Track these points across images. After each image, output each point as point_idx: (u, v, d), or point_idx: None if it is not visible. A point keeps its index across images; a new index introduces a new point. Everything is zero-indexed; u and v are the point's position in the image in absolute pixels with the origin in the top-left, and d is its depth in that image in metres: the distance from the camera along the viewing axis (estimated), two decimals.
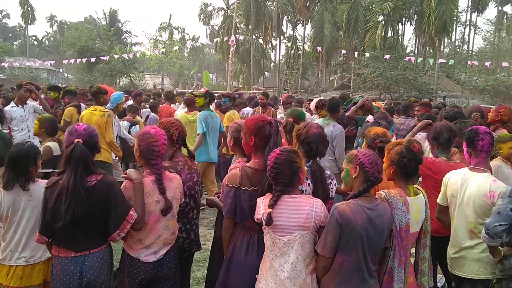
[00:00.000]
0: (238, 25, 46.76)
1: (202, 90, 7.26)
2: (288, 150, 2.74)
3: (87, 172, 2.77)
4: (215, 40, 44.13)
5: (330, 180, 3.18)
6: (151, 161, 3.05)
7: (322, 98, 8.10)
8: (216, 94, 9.09)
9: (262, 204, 2.72)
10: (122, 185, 3.00)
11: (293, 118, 4.50)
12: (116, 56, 32.21)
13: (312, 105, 8.44)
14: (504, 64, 25.78)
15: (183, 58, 49.81)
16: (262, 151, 2.95)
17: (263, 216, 2.68)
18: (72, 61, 29.60)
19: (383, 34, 34.08)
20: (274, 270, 2.68)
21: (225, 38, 40.49)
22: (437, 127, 4.14)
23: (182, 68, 41.90)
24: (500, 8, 44.88)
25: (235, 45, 40.69)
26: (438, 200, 3.62)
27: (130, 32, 56.37)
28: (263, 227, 2.73)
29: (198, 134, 6.70)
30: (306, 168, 3.13)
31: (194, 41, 49.17)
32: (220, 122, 7.09)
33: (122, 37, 53.67)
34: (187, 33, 64.35)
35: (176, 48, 42.20)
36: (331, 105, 6.27)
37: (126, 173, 3.04)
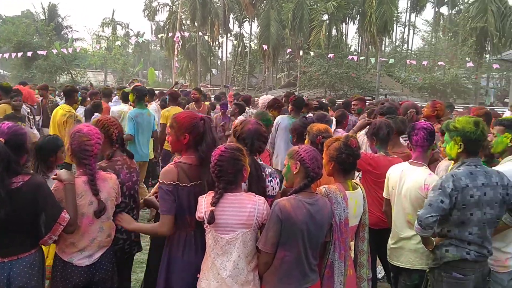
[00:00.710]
0: (184, 21, 46.23)
1: (132, 86, 7.08)
2: (232, 148, 2.72)
3: (10, 173, 2.59)
4: (159, 36, 43.26)
5: (271, 178, 3.16)
6: (83, 161, 2.93)
7: (274, 97, 8.15)
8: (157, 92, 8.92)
9: (204, 202, 2.68)
10: (52, 186, 2.86)
11: None
12: (55, 52, 30.83)
13: (261, 102, 8.48)
14: (440, 63, 27.08)
15: (127, 54, 48.54)
16: (194, 147, 2.90)
17: (205, 214, 2.65)
18: (7, 55, 27.94)
19: (327, 33, 34.81)
20: (216, 269, 2.67)
21: (170, 34, 39.82)
22: (377, 124, 4.27)
23: (126, 64, 40.76)
24: (436, 9, 47.07)
25: (181, 42, 40.14)
26: (384, 194, 3.73)
27: (71, 27, 54.00)
28: (205, 226, 2.70)
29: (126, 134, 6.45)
30: None
31: (138, 37, 47.95)
32: (153, 121, 6.90)
33: (62, 33, 51.38)
34: (131, 29, 63.05)
35: (118, 43, 41.03)
36: (297, 103, 6.42)
37: (56, 174, 2.89)
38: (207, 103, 10.31)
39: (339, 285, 2.87)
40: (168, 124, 3.02)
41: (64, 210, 2.73)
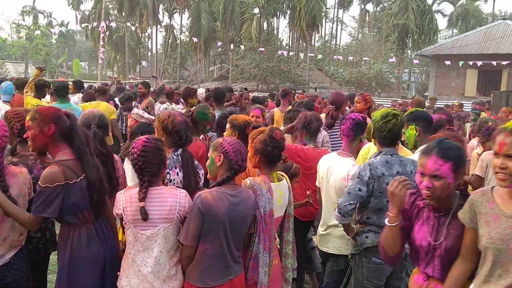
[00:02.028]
0: (111, 11, 44.56)
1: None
2: (155, 138, 2.66)
3: None
4: (83, 25, 41.39)
5: (198, 169, 3.19)
6: None
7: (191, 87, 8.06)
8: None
9: (122, 198, 2.58)
10: None
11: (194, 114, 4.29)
12: None
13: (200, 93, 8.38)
14: (365, 58, 28.25)
15: (50, 45, 46.04)
16: (63, 141, 2.78)
17: (123, 211, 2.55)
18: None
19: (258, 27, 35.06)
20: (137, 266, 2.59)
21: (95, 24, 38.19)
22: (308, 117, 4.33)
23: (49, 55, 38.72)
24: (363, 6, 49.01)
25: (108, 32, 38.67)
26: (316, 183, 3.79)
27: None
28: (124, 223, 2.60)
29: None
30: (174, 157, 3.09)
31: (62, 27, 45.52)
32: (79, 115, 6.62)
33: None
34: (54, 18, 59.78)
35: (38, 32, 38.78)
36: (216, 95, 6.39)
37: None
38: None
39: (263, 276, 2.88)
40: (27, 118, 2.82)
41: None
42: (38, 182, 2.66)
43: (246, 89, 7.47)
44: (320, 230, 3.71)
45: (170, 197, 2.60)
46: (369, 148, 4.10)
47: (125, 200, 2.57)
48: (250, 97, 8.21)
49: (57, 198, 2.64)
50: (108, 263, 2.82)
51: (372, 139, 3.29)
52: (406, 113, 3.62)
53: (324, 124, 5.44)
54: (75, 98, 8.44)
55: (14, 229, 2.81)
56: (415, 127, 3.50)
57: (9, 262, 2.79)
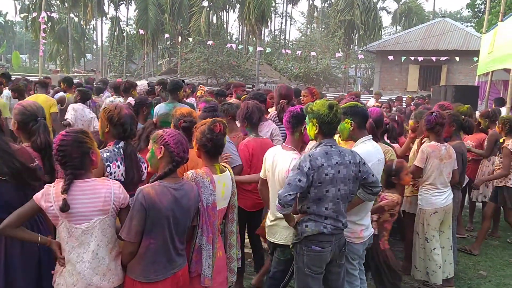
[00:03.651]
0: (53, 1, 42.71)
1: None
2: (75, 131, 2.56)
3: None
4: (22, 16, 39.42)
5: (141, 163, 3.16)
6: None
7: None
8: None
9: (52, 192, 2.46)
10: None
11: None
12: None
13: (139, 89, 8.19)
14: (312, 53, 28.72)
15: None
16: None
17: (55, 204, 2.43)
18: None
19: (208, 20, 34.79)
20: (72, 263, 2.48)
21: (35, 15, 36.46)
22: (249, 108, 4.36)
23: None
24: (311, 1, 49.71)
25: (50, 24, 36.99)
26: (260, 174, 3.81)
27: None
28: (52, 216, 2.47)
29: None
30: (115, 149, 3.03)
31: (0, 17, 43.17)
32: None
33: None
34: None
35: None
36: (169, 87, 6.33)
37: None
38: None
39: (207, 268, 2.89)
40: None
41: None
42: None
43: (183, 81, 7.42)
44: (268, 221, 3.75)
45: (104, 188, 2.53)
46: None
47: (55, 194, 2.45)
48: (189, 90, 8.14)
49: None
50: (44, 260, 2.73)
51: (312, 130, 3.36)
52: (344, 105, 3.71)
53: (273, 117, 5.51)
54: (6, 93, 8.06)
55: None
56: (351, 122, 3.60)
57: None
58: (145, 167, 3.22)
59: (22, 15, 39.29)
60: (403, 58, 24.76)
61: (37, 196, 2.45)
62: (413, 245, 4.83)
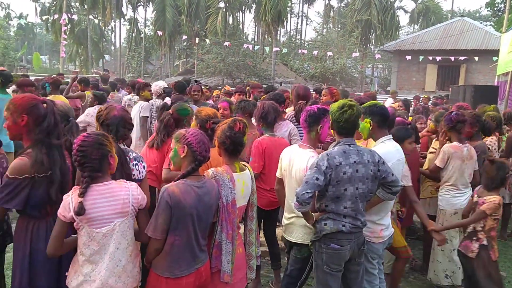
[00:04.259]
0: (72, 3, 43.35)
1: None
2: (96, 133, 2.59)
3: None
4: (43, 18, 40.09)
5: (136, 162, 3.12)
6: None
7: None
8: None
9: (70, 200, 2.47)
10: None
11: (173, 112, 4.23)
12: None
13: (154, 88, 8.29)
14: (329, 53, 28.62)
15: (8, 37, 44.41)
16: (37, 131, 2.74)
17: (73, 211, 2.44)
18: None
19: (224, 21, 34.92)
20: (90, 265, 2.52)
21: (56, 17, 37.08)
22: (265, 108, 4.41)
23: (8, 48, 37.33)
24: (327, 1, 49.51)
25: (69, 25, 37.59)
26: (277, 174, 3.86)
27: None
28: (75, 224, 2.50)
29: None
30: None
31: (21, 19, 44.00)
32: None
33: None
34: (12, 10, 57.66)
35: None
36: (178, 87, 6.37)
37: None
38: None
39: (226, 264, 2.95)
40: (4, 108, 2.80)
41: None
42: (6, 173, 2.61)
43: (196, 81, 7.51)
44: (285, 220, 3.79)
45: (122, 191, 2.56)
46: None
47: (74, 200, 2.46)
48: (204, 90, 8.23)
49: (24, 190, 2.60)
50: (64, 259, 2.77)
51: (332, 130, 3.39)
52: (363, 105, 3.71)
53: (290, 117, 5.54)
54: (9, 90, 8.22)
55: None
56: (370, 121, 3.61)
57: None
58: (144, 166, 3.21)
59: (44, 17, 39.91)
60: (421, 57, 24.54)
61: (59, 211, 2.48)
62: (432, 247, 4.80)
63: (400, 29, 42.28)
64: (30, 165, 2.62)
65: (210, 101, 8.73)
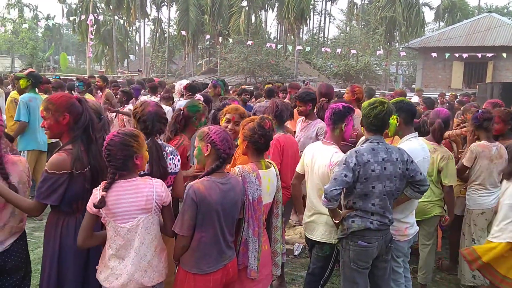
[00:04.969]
0: (98, 4, 44.11)
1: (26, 71, 6.63)
2: (125, 133, 2.64)
3: None
4: (71, 18, 40.92)
5: (172, 156, 3.26)
6: None
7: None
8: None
9: (98, 194, 2.56)
10: None
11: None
12: None
13: (177, 87, 8.40)
14: (353, 51, 28.35)
15: (36, 38, 45.48)
16: (74, 128, 2.83)
17: (100, 204, 2.54)
18: None
19: (247, 20, 34.99)
20: (117, 259, 2.61)
21: (83, 17, 37.80)
22: (279, 106, 4.44)
23: (36, 49, 38.16)
24: None
25: (95, 25, 38.26)
26: (297, 169, 3.88)
27: None
28: (102, 219, 2.59)
29: (18, 121, 6.11)
30: None
31: (48, 20, 44.98)
32: None
33: None
34: (40, 11, 58.99)
35: (26, 25, 38.32)
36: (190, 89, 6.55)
37: None
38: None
39: (253, 261, 2.97)
40: (41, 108, 2.86)
41: None
42: (45, 168, 2.69)
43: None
44: (305, 217, 3.79)
45: (146, 188, 2.62)
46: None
47: (99, 196, 2.55)
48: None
49: (62, 186, 2.68)
50: (92, 254, 2.84)
51: (361, 127, 3.39)
52: (391, 101, 3.69)
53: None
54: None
55: (14, 215, 2.83)
56: (397, 118, 3.59)
57: (9, 249, 2.82)
58: (178, 160, 3.32)
59: (71, 18, 40.75)
60: (447, 54, 24.10)
61: (88, 204, 2.57)
62: (460, 248, 4.73)
63: (425, 26, 41.60)
64: (70, 161, 2.69)
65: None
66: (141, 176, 2.84)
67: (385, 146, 3.21)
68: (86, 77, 9.84)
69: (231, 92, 11.31)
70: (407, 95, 17.61)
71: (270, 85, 10.20)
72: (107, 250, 2.64)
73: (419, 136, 3.83)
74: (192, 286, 2.71)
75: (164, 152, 3.18)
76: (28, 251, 3.05)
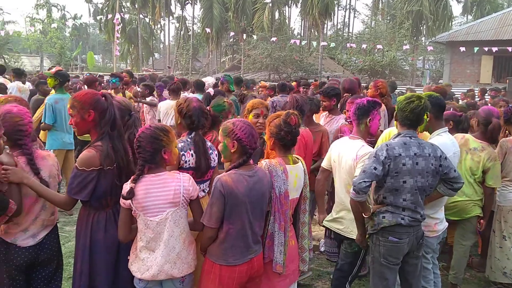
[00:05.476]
0: (123, 3, 44.72)
1: (53, 70, 6.73)
2: (156, 127, 2.72)
3: None
4: (98, 18, 41.63)
5: (211, 151, 3.33)
6: (19, 142, 2.81)
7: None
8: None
9: (128, 185, 2.66)
10: None
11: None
12: None
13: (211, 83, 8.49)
14: (379, 46, 27.93)
15: (64, 38, 46.40)
16: (100, 125, 2.86)
17: (132, 200, 2.63)
18: None
19: (270, 16, 34.90)
20: (147, 251, 2.68)
21: (109, 17, 38.39)
22: (299, 101, 4.43)
23: (64, 48, 38.98)
24: None
25: (121, 24, 38.83)
26: (323, 164, 3.88)
27: (1, 9, 51.04)
28: (133, 212, 2.67)
29: (43, 122, 6.20)
30: (188, 140, 3.21)
31: (76, 20, 45.86)
32: None
33: None
34: (67, 11, 60.14)
35: (55, 26, 39.15)
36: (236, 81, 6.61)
37: None
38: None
39: (279, 255, 2.96)
40: (68, 106, 2.91)
41: (11, 201, 2.61)
42: (75, 164, 2.76)
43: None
44: (334, 213, 3.77)
45: (173, 182, 2.68)
46: (390, 133, 4.16)
47: (128, 188, 2.64)
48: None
49: (91, 182, 2.74)
50: (122, 248, 2.90)
51: (395, 121, 3.36)
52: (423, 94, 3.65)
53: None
54: (13, 85, 8.56)
55: (45, 208, 2.92)
56: (427, 113, 3.54)
57: (42, 242, 2.90)
58: (216, 154, 3.38)
59: (98, 17, 41.47)
60: (476, 49, 23.53)
61: (121, 199, 2.66)
62: (490, 244, 4.63)
63: (453, 20, 40.69)
64: (99, 157, 2.75)
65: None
66: (187, 169, 2.95)
67: (417, 141, 3.16)
68: (120, 72, 9.98)
69: (254, 88, 11.31)
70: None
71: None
72: (138, 242, 2.71)
73: (457, 132, 3.78)
74: (218, 277, 2.75)
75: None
76: (60, 244, 3.12)
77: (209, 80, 8.43)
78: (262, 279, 2.99)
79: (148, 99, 7.91)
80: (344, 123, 4.97)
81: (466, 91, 14.00)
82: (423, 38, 39.48)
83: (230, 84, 7.69)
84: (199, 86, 8.47)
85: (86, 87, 8.30)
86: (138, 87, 9.18)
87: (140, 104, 8.06)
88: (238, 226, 2.74)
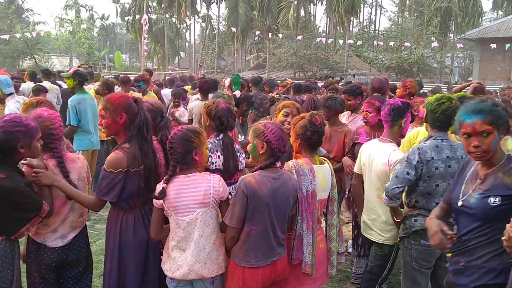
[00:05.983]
0: (150, 3, 45.25)
1: (71, 71, 6.79)
2: (188, 129, 2.78)
3: None
4: (126, 18, 42.26)
5: (239, 154, 3.34)
6: (50, 145, 2.87)
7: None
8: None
9: (160, 185, 2.73)
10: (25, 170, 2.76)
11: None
12: (17, 36, 29.77)
13: (227, 83, 8.48)
14: (406, 43, 27.46)
15: (92, 38, 47.24)
16: (130, 128, 2.91)
17: (163, 200, 2.69)
18: None
19: (296, 14, 34.75)
20: (179, 250, 2.72)
21: (137, 17, 38.91)
22: (316, 102, 4.53)
23: (92, 48, 39.64)
24: None
25: (148, 24, 39.28)
26: (355, 169, 3.84)
27: (32, 10, 52.41)
28: (165, 212, 2.72)
29: (68, 125, 6.18)
30: (216, 141, 3.22)
31: (103, 20, 46.67)
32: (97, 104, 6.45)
33: (23, 16, 49.72)
34: (95, 12, 61.28)
35: (84, 26, 39.93)
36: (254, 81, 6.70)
37: (26, 160, 2.74)
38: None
39: (308, 255, 2.94)
40: (100, 107, 2.97)
41: (44, 203, 2.67)
42: (103, 166, 2.81)
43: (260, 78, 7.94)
44: (364, 217, 3.73)
45: (204, 182, 2.71)
46: (418, 133, 4.06)
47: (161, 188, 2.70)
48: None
49: (119, 183, 2.79)
50: (150, 248, 2.95)
51: (424, 123, 3.28)
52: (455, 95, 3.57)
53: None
54: (25, 86, 8.63)
55: (74, 210, 2.97)
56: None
57: (71, 243, 2.96)
58: (244, 157, 3.41)
59: (126, 18, 42.07)
60: (507, 45, 22.88)
61: (154, 199, 2.71)
62: None
63: (483, 16, 39.68)
64: (126, 159, 2.79)
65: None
66: (213, 171, 2.99)
67: (449, 143, 3.09)
68: (141, 74, 10.04)
69: (279, 88, 11.24)
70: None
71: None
72: (170, 241, 2.76)
73: None
74: (241, 279, 2.75)
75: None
76: (89, 245, 3.19)
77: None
78: (291, 281, 2.96)
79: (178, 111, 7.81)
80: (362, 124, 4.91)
81: (502, 87, 13.58)
82: (451, 35, 38.61)
83: (233, 84, 7.59)
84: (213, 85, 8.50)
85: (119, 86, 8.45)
86: (168, 88, 9.23)
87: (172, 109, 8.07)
88: (260, 227, 2.73)
